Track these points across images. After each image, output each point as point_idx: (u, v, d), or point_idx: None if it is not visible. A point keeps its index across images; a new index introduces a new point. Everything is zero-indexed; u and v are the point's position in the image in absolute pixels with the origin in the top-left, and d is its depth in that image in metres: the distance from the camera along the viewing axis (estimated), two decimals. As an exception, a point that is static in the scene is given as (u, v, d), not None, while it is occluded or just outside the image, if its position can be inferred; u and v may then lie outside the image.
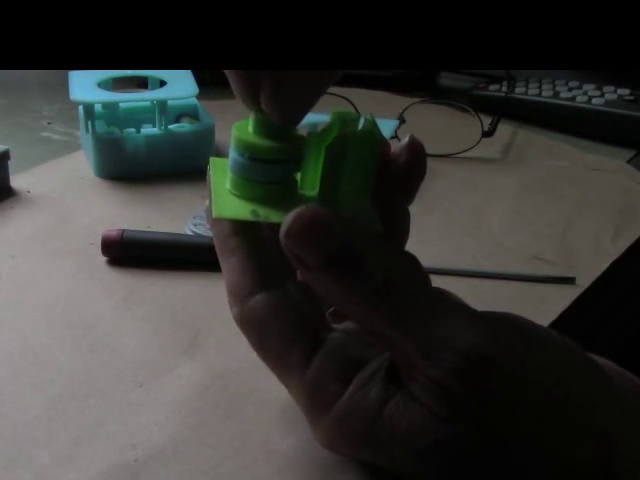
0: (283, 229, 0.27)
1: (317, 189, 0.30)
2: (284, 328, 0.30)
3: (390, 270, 0.28)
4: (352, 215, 0.29)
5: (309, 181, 0.30)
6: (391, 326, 0.27)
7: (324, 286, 0.28)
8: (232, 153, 0.30)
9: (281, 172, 0.30)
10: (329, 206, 0.29)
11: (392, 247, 0.29)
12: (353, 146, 0.29)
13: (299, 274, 0.31)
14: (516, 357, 0.27)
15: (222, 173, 0.31)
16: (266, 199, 0.30)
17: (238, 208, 0.30)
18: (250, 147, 0.29)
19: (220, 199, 0.30)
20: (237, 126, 0.30)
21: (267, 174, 0.30)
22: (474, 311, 0.28)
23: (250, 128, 0.30)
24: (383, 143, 0.31)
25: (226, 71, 0.28)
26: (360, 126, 0.30)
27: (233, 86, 0.29)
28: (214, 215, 0.30)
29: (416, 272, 0.29)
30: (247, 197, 0.30)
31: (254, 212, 0.30)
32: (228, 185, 0.31)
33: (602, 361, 0.30)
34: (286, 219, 0.27)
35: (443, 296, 0.29)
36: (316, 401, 0.30)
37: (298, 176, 0.31)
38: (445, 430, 0.27)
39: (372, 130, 0.30)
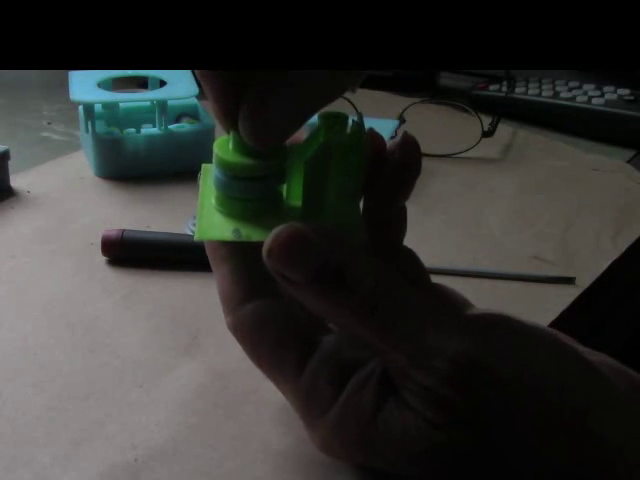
0: (265, 249, 0.27)
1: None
2: (276, 336, 0.30)
3: (375, 283, 0.27)
4: (336, 226, 0.29)
5: (295, 193, 0.30)
6: (381, 338, 0.27)
7: (311, 301, 0.28)
8: (214, 170, 0.30)
9: (263, 188, 0.30)
10: (312, 218, 0.28)
11: (377, 259, 0.28)
12: (340, 150, 0.29)
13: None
14: (507, 361, 0.27)
15: (212, 182, 0.31)
16: (249, 215, 0.30)
17: (220, 228, 0.30)
18: (230, 166, 0.29)
19: (203, 218, 0.30)
20: (217, 143, 0.30)
21: (249, 191, 0.29)
22: (464, 314, 0.28)
23: (230, 145, 0.29)
24: (374, 142, 0.31)
25: (205, 89, 0.28)
26: (348, 128, 0.29)
27: (211, 104, 0.28)
28: (196, 237, 0.29)
29: (408, 278, 0.28)
30: (230, 214, 0.30)
31: (236, 232, 0.29)
32: (212, 200, 0.30)
33: (600, 358, 0.30)
34: (267, 239, 0.27)
35: (435, 298, 0.29)
36: (311, 406, 0.30)
37: (284, 187, 0.30)
38: (440, 436, 0.27)
39: (360, 132, 0.29)
